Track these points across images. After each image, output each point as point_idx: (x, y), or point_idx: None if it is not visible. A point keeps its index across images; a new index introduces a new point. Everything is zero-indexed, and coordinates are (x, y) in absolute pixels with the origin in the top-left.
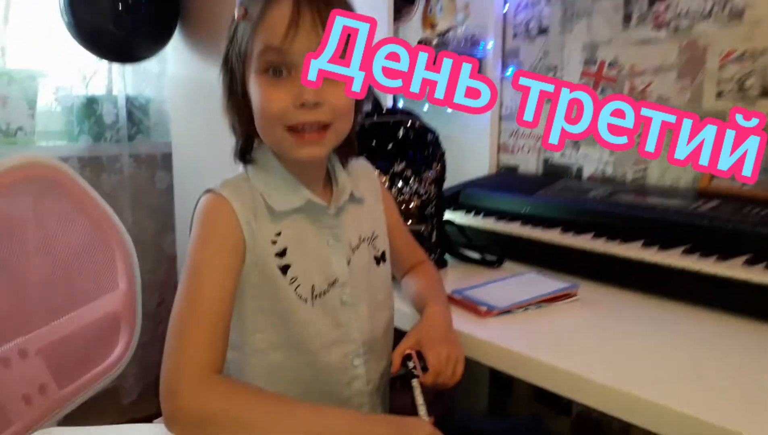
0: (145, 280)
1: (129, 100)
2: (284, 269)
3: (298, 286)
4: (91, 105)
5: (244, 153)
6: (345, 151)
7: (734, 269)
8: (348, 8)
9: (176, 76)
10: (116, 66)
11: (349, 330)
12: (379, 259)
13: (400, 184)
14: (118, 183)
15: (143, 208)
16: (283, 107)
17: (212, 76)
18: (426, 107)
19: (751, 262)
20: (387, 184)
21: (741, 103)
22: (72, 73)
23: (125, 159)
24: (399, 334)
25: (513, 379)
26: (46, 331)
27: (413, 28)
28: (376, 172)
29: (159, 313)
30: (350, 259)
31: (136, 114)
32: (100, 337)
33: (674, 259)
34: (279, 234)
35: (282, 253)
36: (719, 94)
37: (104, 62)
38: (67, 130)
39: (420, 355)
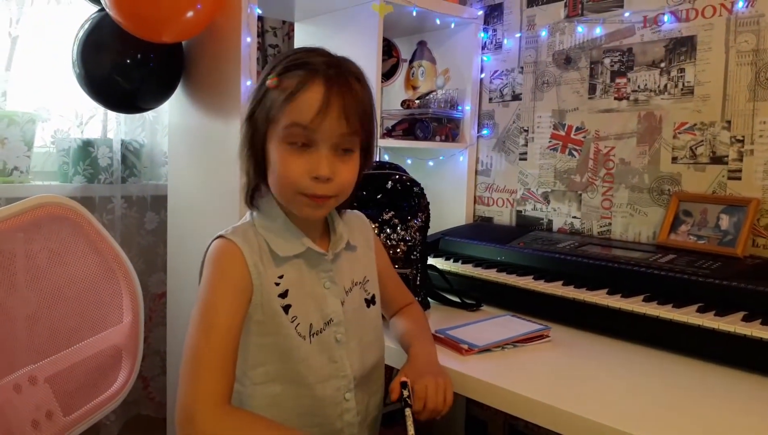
0: None
1: (123, 144)
2: (286, 308)
3: (298, 324)
4: (86, 147)
5: (253, 197)
6: (343, 204)
7: (688, 315)
8: (368, 98)
9: (177, 125)
10: (112, 111)
11: (342, 366)
12: (369, 301)
13: (388, 230)
14: (109, 223)
15: (132, 248)
16: (300, 176)
17: (211, 127)
18: (409, 161)
19: (702, 310)
20: (376, 231)
21: (693, 168)
22: (69, 117)
23: (117, 200)
24: (389, 370)
25: (488, 423)
26: (55, 360)
27: (396, 89)
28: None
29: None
30: (344, 300)
31: (130, 157)
32: (104, 367)
33: (635, 305)
34: (281, 277)
35: (284, 294)
36: (674, 159)
37: (101, 107)
38: (61, 171)
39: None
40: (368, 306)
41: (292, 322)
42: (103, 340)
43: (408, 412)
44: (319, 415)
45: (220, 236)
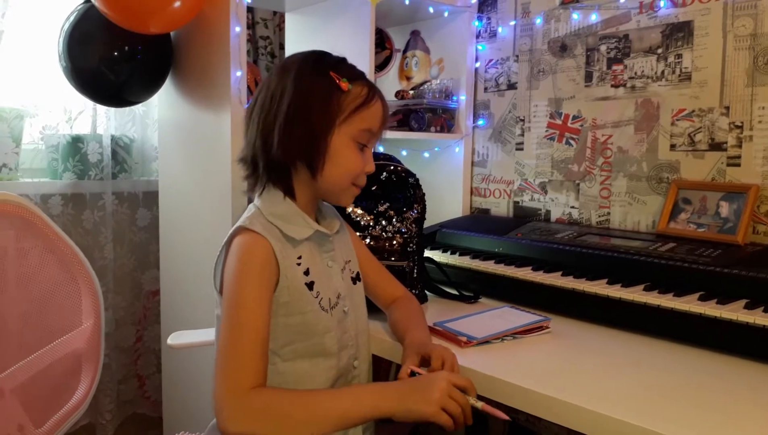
0: (122, 315)
1: (114, 140)
2: (310, 285)
3: (321, 298)
4: (76, 143)
5: (283, 178)
6: None
7: (690, 304)
8: None
9: (166, 119)
10: (101, 106)
11: (350, 335)
12: (355, 278)
13: (383, 223)
14: (100, 220)
15: (124, 245)
16: (360, 171)
17: (201, 120)
18: (404, 153)
19: (704, 298)
20: (371, 222)
21: (692, 155)
22: (58, 113)
23: (108, 196)
24: (377, 359)
25: (488, 416)
26: (20, 369)
27: (390, 80)
28: (349, 208)
29: (136, 349)
30: (342, 277)
31: (120, 153)
32: (66, 374)
33: (636, 295)
34: (300, 257)
35: (307, 272)
36: (672, 147)
37: (90, 102)
38: (51, 168)
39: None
40: (354, 283)
41: (316, 297)
42: (65, 345)
43: None
44: (339, 383)
45: (241, 229)
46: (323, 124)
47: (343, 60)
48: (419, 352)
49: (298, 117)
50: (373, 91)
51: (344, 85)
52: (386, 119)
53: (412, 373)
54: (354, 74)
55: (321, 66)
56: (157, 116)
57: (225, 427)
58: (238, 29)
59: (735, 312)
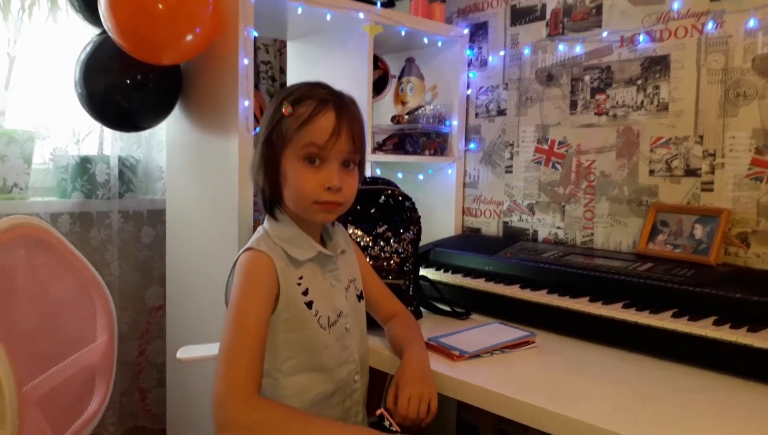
0: (125, 330)
1: (120, 160)
2: (309, 305)
3: (320, 317)
4: (84, 164)
5: (272, 209)
6: (340, 217)
7: (663, 321)
8: (363, 121)
9: (174, 141)
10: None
11: (352, 352)
12: (359, 296)
13: (381, 243)
14: (106, 237)
15: (129, 262)
16: (315, 188)
17: (209, 144)
18: (400, 175)
19: (677, 315)
20: (370, 243)
21: (669, 180)
22: (67, 134)
23: (114, 215)
24: (374, 372)
25: (479, 428)
26: (43, 381)
27: (386, 104)
28: (350, 229)
29: (139, 363)
30: (346, 295)
31: (126, 173)
32: (82, 387)
33: (615, 312)
34: (301, 277)
35: (306, 292)
36: (651, 172)
37: (97, 124)
38: (60, 187)
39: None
40: (359, 300)
41: (315, 315)
42: (82, 359)
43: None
44: (336, 396)
45: (249, 249)
46: (270, 152)
47: (313, 85)
48: (402, 380)
49: (256, 151)
50: (321, 106)
51: (286, 110)
52: (339, 130)
53: (381, 417)
54: (305, 95)
55: (279, 99)
56: (163, 138)
57: (225, 424)
58: (246, 61)
59: (704, 328)
